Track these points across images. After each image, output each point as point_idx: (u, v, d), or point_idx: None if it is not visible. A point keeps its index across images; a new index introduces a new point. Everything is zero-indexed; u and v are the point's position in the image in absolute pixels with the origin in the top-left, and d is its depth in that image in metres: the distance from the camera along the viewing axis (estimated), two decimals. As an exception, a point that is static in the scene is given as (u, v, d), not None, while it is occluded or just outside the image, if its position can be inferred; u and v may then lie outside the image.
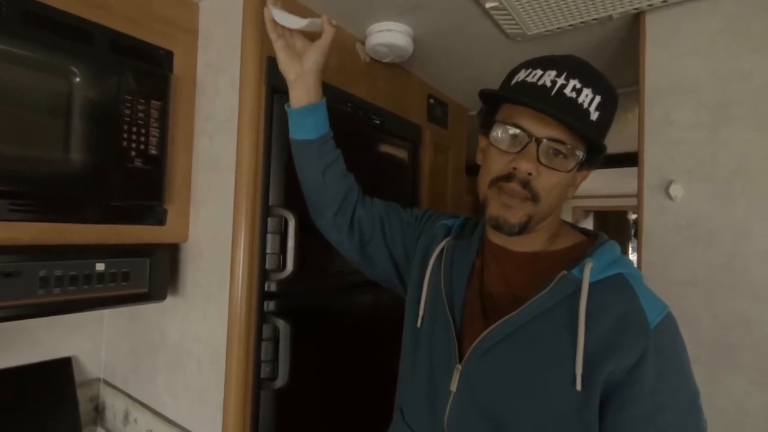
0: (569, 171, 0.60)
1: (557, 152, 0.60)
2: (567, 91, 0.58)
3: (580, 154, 0.60)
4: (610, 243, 0.64)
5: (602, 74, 0.62)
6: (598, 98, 0.59)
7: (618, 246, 0.65)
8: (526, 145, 0.60)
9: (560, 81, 0.59)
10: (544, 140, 0.59)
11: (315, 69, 0.82)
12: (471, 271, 0.70)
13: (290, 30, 0.84)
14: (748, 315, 0.89)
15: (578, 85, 0.58)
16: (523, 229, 0.62)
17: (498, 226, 0.63)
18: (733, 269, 0.91)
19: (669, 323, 0.57)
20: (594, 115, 0.59)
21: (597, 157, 0.63)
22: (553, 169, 0.60)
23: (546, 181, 0.60)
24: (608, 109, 0.61)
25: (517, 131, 0.60)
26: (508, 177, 0.61)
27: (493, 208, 0.63)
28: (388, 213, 0.87)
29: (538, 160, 0.59)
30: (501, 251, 0.69)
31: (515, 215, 0.61)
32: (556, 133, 0.59)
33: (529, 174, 0.59)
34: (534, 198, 0.60)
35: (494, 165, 0.63)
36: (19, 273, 0.78)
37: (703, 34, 0.97)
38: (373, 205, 0.88)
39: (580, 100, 0.58)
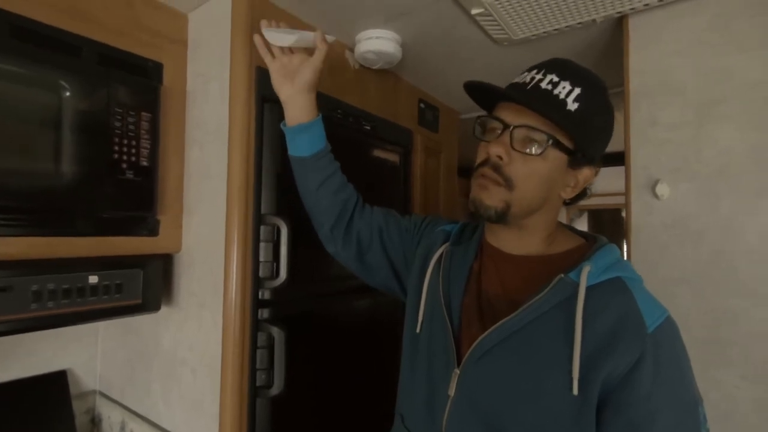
0: (541, 155, 0.61)
1: (531, 140, 0.61)
2: (543, 84, 0.61)
3: (552, 141, 0.60)
4: (609, 246, 0.64)
5: (586, 70, 0.63)
6: (577, 90, 0.60)
7: (617, 249, 0.65)
8: (501, 134, 0.63)
9: (538, 76, 0.62)
10: (517, 127, 0.61)
11: (305, 88, 0.83)
12: (469, 275, 0.70)
13: (284, 49, 0.84)
14: (736, 311, 0.90)
15: (555, 79, 0.61)
16: (501, 216, 0.63)
17: (476, 210, 0.65)
18: (720, 266, 0.92)
19: (668, 328, 0.56)
20: (572, 106, 0.60)
21: (589, 153, 0.63)
22: (525, 153, 0.61)
23: (520, 168, 0.62)
24: (591, 100, 0.61)
25: (495, 122, 0.64)
26: (484, 163, 0.64)
27: (472, 191, 0.66)
28: (387, 221, 0.88)
29: (512, 147, 0.61)
30: (498, 254, 0.69)
31: (490, 197, 0.63)
32: (529, 120, 0.61)
33: (500, 158, 0.62)
34: (507, 183, 0.62)
35: (477, 156, 0.66)
36: (12, 288, 0.78)
37: (687, 34, 0.99)
38: (372, 214, 0.89)
39: (555, 91, 0.60)
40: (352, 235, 0.87)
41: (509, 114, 0.62)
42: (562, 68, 0.63)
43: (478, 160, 0.66)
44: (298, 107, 0.83)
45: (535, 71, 0.64)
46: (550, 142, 0.60)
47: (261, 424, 0.96)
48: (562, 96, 0.60)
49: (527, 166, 0.62)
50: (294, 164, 0.88)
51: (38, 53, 0.80)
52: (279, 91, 0.85)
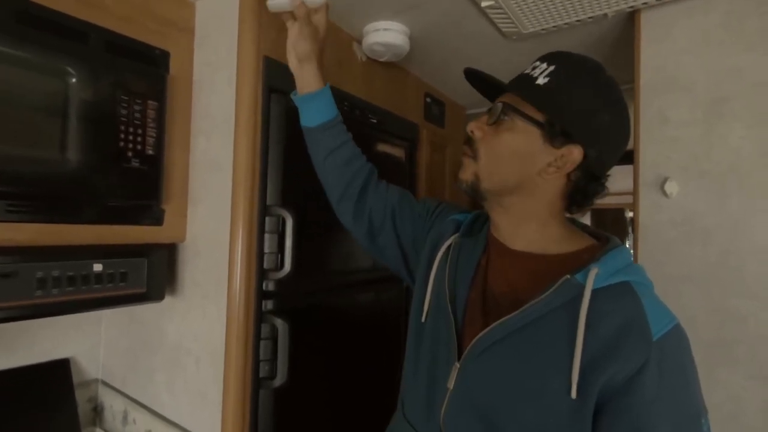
0: (495, 123, 0.64)
1: (502, 114, 0.64)
2: (526, 70, 0.66)
3: (511, 108, 0.63)
4: (621, 249, 0.61)
5: (573, 54, 0.65)
6: (550, 68, 0.62)
7: (629, 252, 0.62)
8: (482, 114, 0.68)
9: (528, 66, 0.67)
10: (493, 107, 0.66)
11: (307, 57, 0.85)
12: (476, 269, 0.69)
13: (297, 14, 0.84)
14: (743, 311, 0.90)
15: (537, 63, 0.65)
16: (473, 189, 0.67)
17: (459, 186, 0.70)
18: (729, 266, 0.92)
19: (675, 336, 0.55)
20: (541, 80, 0.62)
21: (563, 127, 0.60)
22: (495, 126, 0.65)
23: (490, 141, 0.65)
24: (563, 75, 0.62)
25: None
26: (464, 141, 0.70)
27: None
28: (401, 204, 0.87)
29: (486, 124, 0.66)
30: (504, 250, 0.68)
31: (464, 172, 0.68)
32: (505, 99, 0.65)
33: (472, 132, 0.67)
34: (474, 155, 0.67)
35: None
36: (17, 274, 0.78)
37: (698, 31, 0.98)
38: (387, 192, 0.88)
39: (531, 72, 0.64)
40: (365, 212, 0.86)
41: (499, 100, 0.67)
42: (549, 54, 0.65)
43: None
44: (304, 76, 0.86)
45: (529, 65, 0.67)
46: (511, 112, 0.63)
47: (264, 415, 0.97)
48: (535, 75, 0.63)
49: (496, 138, 0.65)
50: (306, 135, 0.89)
51: (45, 39, 0.79)
52: (289, 61, 0.87)
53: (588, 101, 0.61)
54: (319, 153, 0.87)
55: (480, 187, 0.66)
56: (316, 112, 0.85)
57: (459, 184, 0.69)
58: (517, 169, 0.64)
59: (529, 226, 0.66)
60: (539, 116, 0.61)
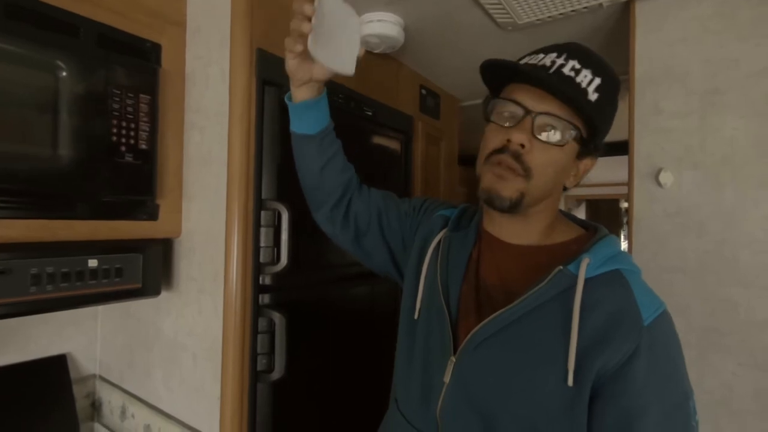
0: (563, 146, 0.59)
1: (552, 128, 0.59)
2: (565, 70, 0.59)
3: (575, 131, 0.59)
4: (610, 238, 0.63)
5: (603, 59, 0.62)
6: (597, 80, 0.59)
7: (618, 241, 0.64)
8: (521, 119, 0.60)
9: (559, 61, 0.59)
10: (540, 114, 0.59)
11: (324, 80, 0.75)
12: (467, 263, 0.69)
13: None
14: (736, 300, 0.91)
15: (577, 66, 0.59)
16: (515, 206, 0.61)
17: (490, 200, 0.62)
18: (722, 256, 0.93)
19: (663, 321, 0.56)
20: (592, 96, 0.58)
21: (597, 143, 0.63)
22: (547, 143, 0.59)
23: (540, 157, 0.59)
24: (608, 92, 0.60)
25: (514, 106, 0.61)
26: (502, 149, 0.60)
27: (486, 180, 0.62)
28: (386, 205, 0.85)
29: (534, 135, 0.59)
30: (497, 243, 0.68)
31: (507, 188, 0.60)
32: (551, 108, 0.58)
33: (522, 146, 0.59)
34: (526, 173, 0.59)
35: (490, 140, 0.63)
36: (11, 271, 0.77)
37: (692, 22, 0.98)
38: (370, 196, 0.86)
39: (578, 79, 0.58)
40: (350, 217, 0.84)
41: (528, 98, 0.59)
42: (585, 55, 0.60)
43: (493, 146, 0.62)
44: (309, 89, 0.76)
45: (554, 54, 0.60)
46: (574, 133, 0.59)
47: (262, 408, 0.97)
48: (584, 85, 0.58)
49: (547, 154, 0.59)
50: (297, 141, 0.82)
51: (35, 33, 0.78)
52: (295, 76, 0.74)
53: (612, 119, 0.64)
54: (316, 162, 0.81)
55: (522, 204, 0.61)
56: (316, 118, 0.79)
57: (498, 203, 0.61)
58: (554, 181, 0.63)
59: (538, 226, 0.66)
60: (585, 133, 0.61)
